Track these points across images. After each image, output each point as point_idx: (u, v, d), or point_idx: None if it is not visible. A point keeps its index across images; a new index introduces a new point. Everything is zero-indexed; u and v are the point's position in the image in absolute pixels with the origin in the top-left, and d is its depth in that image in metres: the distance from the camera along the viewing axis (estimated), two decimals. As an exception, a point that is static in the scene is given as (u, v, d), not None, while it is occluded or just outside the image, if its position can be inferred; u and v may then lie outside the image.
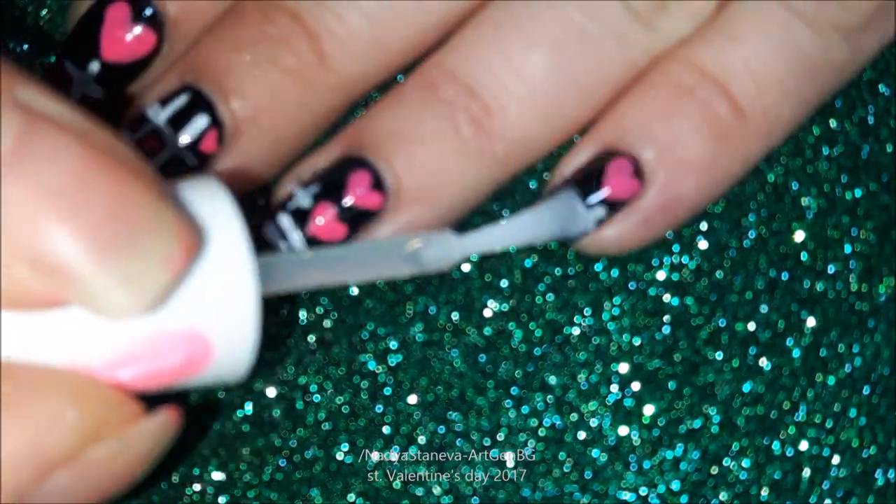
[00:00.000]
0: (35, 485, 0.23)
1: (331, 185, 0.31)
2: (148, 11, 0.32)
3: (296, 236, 0.31)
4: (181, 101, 0.31)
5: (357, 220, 0.31)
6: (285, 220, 0.31)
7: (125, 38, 0.32)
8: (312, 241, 0.31)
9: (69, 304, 0.23)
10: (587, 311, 0.34)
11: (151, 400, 0.26)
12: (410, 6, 0.32)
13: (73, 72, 0.32)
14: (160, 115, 0.31)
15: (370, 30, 0.32)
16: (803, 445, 0.34)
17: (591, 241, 0.32)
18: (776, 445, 0.34)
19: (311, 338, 0.34)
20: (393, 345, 0.34)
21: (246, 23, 0.32)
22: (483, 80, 0.32)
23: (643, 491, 0.34)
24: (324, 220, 0.31)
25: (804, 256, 0.35)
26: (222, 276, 0.25)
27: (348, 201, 0.31)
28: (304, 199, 0.31)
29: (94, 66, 0.32)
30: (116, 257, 0.22)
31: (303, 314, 0.34)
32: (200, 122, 0.31)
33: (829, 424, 0.34)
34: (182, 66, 0.32)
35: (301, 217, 0.31)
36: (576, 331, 0.34)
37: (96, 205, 0.22)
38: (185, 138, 0.31)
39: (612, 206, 0.32)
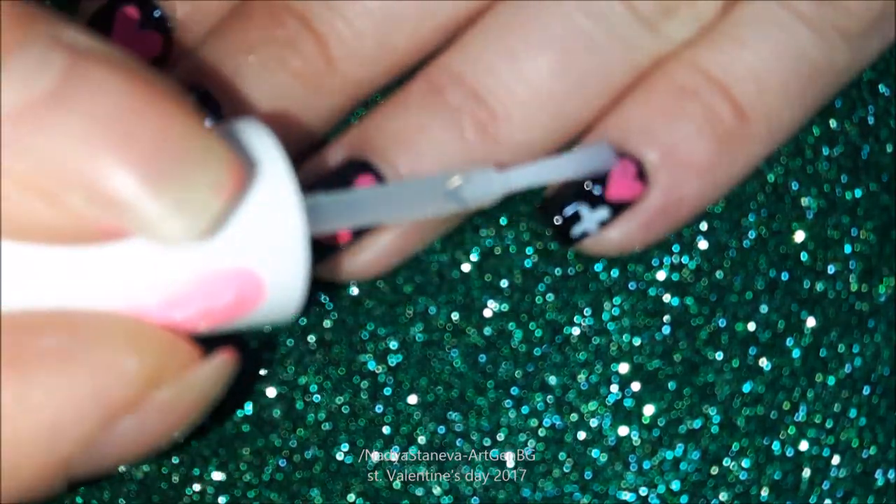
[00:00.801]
0: (100, 434, 0.24)
1: (334, 187, 0.31)
2: (157, 15, 0.32)
3: None
4: None
5: None
6: None
7: (134, 41, 0.32)
8: (316, 244, 0.31)
9: (124, 234, 0.23)
10: (587, 312, 0.34)
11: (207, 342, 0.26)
12: (416, 9, 0.32)
13: None
14: None
15: (377, 33, 0.31)
16: (803, 446, 0.34)
17: (594, 243, 0.32)
18: (776, 446, 0.34)
19: (311, 338, 0.34)
20: (393, 345, 0.34)
21: (254, 24, 0.32)
22: (488, 84, 0.32)
23: (643, 491, 0.34)
24: None
25: (804, 257, 0.34)
26: (271, 214, 0.25)
27: None
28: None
29: None
30: (169, 183, 0.22)
31: (303, 314, 0.34)
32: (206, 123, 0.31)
33: (829, 425, 0.34)
34: (188, 68, 0.32)
35: None
36: (576, 331, 0.34)
37: (146, 134, 0.22)
38: None
39: (616, 207, 0.32)
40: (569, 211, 0.32)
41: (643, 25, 0.32)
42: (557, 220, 0.32)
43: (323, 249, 0.31)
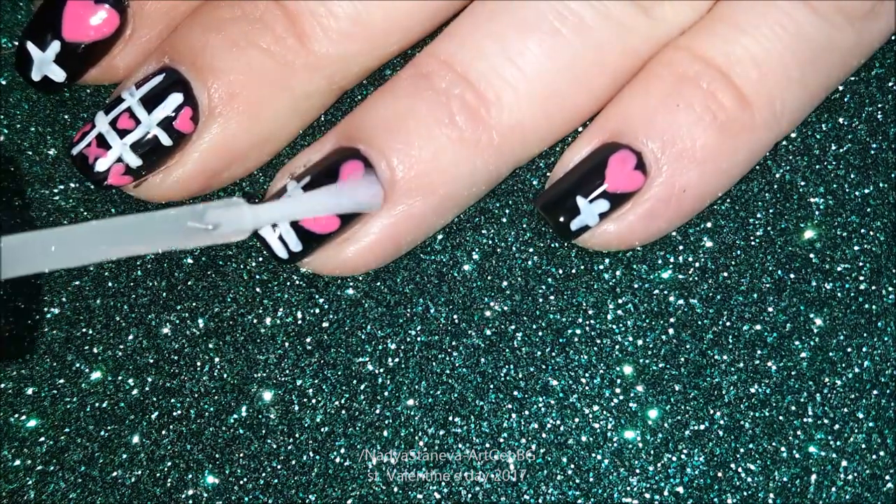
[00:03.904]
0: None
1: (322, 176, 0.31)
2: None
3: (286, 227, 0.31)
4: (156, 80, 0.31)
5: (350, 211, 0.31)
6: None
7: (87, 18, 0.32)
8: (304, 234, 0.31)
9: None
10: (590, 312, 0.34)
11: None
12: None
13: (33, 53, 0.32)
14: (135, 95, 0.31)
15: (353, 12, 0.31)
16: (811, 449, 0.33)
17: (593, 236, 0.32)
18: (783, 449, 0.33)
19: (309, 339, 0.34)
20: (392, 346, 0.34)
21: (224, 4, 0.32)
22: (478, 67, 0.31)
23: (648, 496, 0.33)
24: None
25: (812, 256, 0.34)
26: None
27: None
28: (294, 191, 0.31)
29: (55, 47, 0.32)
30: None
31: (300, 315, 0.34)
32: (174, 99, 0.31)
33: (836, 427, 0.33)
34: (160, 48, 0.32)
35: None
36: (578, 332, 0.34)
37: None
38: (157, 115, 0.31)
39: (615, 199, 0.31)
40: (570, 207, 0.32)
41: (637, 8, 0.32)
42: (562, 218, 0.32)
43: (310, 239, 0.31)
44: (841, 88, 0.34)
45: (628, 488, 0.33)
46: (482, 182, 0.32)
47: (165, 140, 0.31)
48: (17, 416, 0.33)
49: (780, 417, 0.33)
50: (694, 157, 0.32)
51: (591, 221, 0.32)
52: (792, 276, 0.34)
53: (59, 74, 0.32)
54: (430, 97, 0.31)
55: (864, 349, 0.34)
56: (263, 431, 0.33)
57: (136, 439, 0.33)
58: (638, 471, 0.33)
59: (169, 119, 0.31)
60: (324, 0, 0.31)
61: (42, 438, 0.33)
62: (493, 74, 0.31)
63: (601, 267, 0.34)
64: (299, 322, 0.34)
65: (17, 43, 0.35)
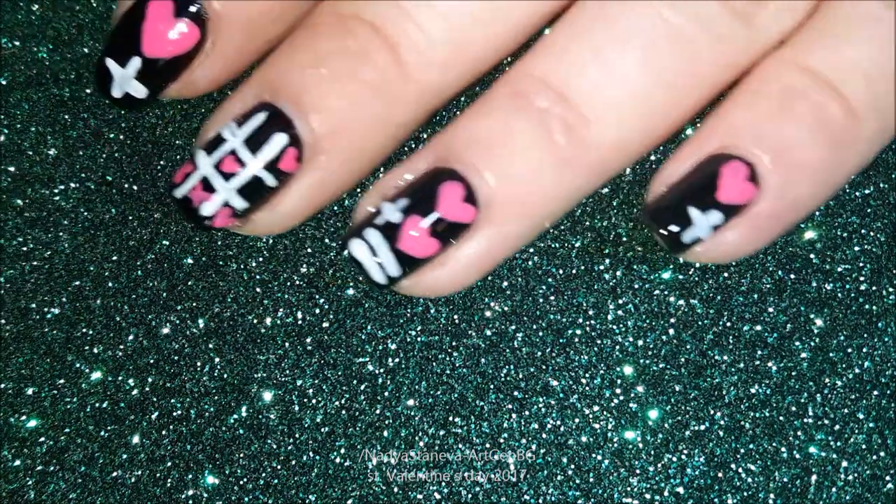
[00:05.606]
0: None
1: (421, 199, 0.30)
2: (191, 7, 0.31)
3: (385, 251, 0.30)
4: (258, 119, 0.30)
5: (448, 234, 0.30)
6: (374, 236, 0.30)
7: (167, 33, 0.31)
8: (402, 256, 0.30)
9: None
10: (591, 313, 0.34)
11: None
12: (490, 10, 0.30)
13: (113, 70, 0.31)
14: (237, 136, 0.30)
15: (450, 36, 0.30)
16: (811, 449, 0.33)
17: (707, 249, 0.31)
18: (783, 449, 0.33)
19: (309, 339, 0.33)
20: (392, 346, 0.34)
21: (323, 35, 0.30)
22: (576, 84, 0.30)
23: (648, 496, 0.33)
24: (416, 234, 0.30)
25: (812, 256, 0.34)
26: None
27: (440, 215, 0.30)
28: (392, 214, 0.30)
29: (136, 63, 0.31)
30: None
31: (300, 315, 0.34)
32: (279, 140, 0.30)
33: (837, 428, 0.33)
34: (257, 82, 0.31)
35: (391, 232, 0.30)
36: (579, 332, 0.34)
37: None
38: (264, 158, 0.30)
39: (728, 210, 0.31)
40: (682, 218, 0.31)
41: (736, 19, 0.31)
42: (672, 230, 0.31)
43: (408, 262, 0.30)
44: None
45: (628, 489, 0.33)
46: (577, 200, 0.31)
47: (270, 181, 0.30)
48: (17, 416, 0.33)
49: (781, 418, 0.33)
50: (805, 171, 0.31)
51: (703, 234, 0.31)
52: (792, 276, 0.34)
53: (140, 91, 0.31)
54: (528, 116, 0.30)
55: (864, 350, 0.34)
56: (263, 432, 0.33)
57: (136, 439, 0.33)
58: (638, 471, 0.33)
59: (274, 160, 0.30)
60: (424, 29, 0.30)
61: (42, 438, 0.33)
62: (592, 91, 0.30)
63: (601, 267, 0.34)
64: (299, 322, 0.34)
65: (17, 43, 0.35)
